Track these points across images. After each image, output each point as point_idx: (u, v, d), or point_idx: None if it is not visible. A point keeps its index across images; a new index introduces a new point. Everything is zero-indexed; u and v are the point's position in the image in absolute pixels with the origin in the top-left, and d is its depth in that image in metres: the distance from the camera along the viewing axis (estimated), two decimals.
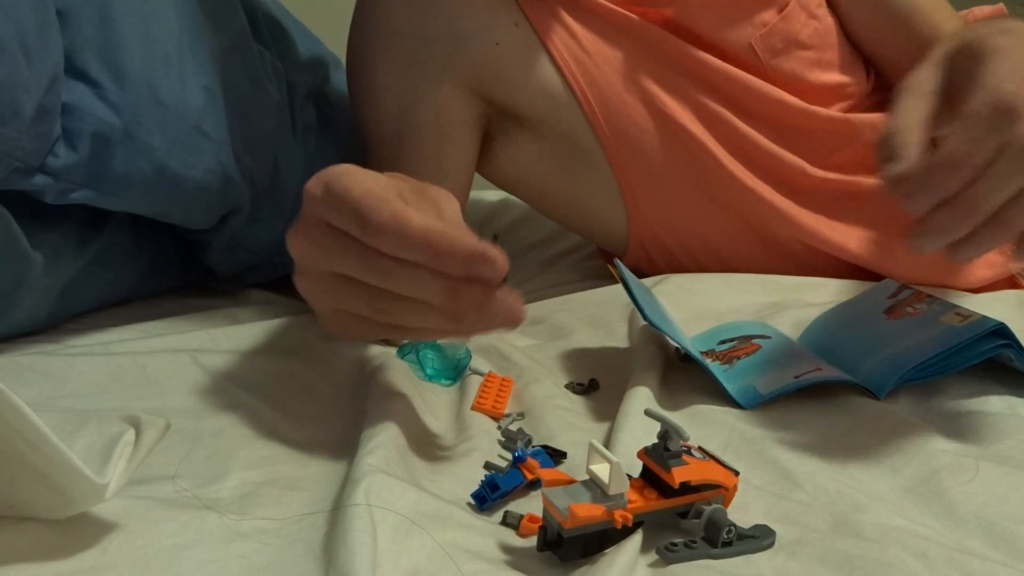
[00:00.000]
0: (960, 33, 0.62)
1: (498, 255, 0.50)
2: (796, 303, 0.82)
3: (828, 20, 0.90)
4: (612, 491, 0.45)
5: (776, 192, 0.88)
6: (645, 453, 0.49)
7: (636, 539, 0.46)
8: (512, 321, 0.52)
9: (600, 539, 0.46)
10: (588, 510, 0.44)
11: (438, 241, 0.49)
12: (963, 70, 0.58)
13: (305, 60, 0.98)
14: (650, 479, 0.48)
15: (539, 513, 0.50)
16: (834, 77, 0.90)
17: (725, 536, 0.46)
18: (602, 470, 0.45)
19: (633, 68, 0.85)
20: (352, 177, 0.52)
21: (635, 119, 0.86)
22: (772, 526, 0.49)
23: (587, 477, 0.47)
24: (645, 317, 0.66)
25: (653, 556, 0.47)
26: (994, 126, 0.53)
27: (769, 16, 0.86)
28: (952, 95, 0.58)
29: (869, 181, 0.89)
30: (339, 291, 0.53)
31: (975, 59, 0.57)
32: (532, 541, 0.48)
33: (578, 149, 0.88)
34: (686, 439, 0.48)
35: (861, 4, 0.91)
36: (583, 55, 0.85)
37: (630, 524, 0.45)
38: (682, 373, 0.68)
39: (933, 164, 0.53)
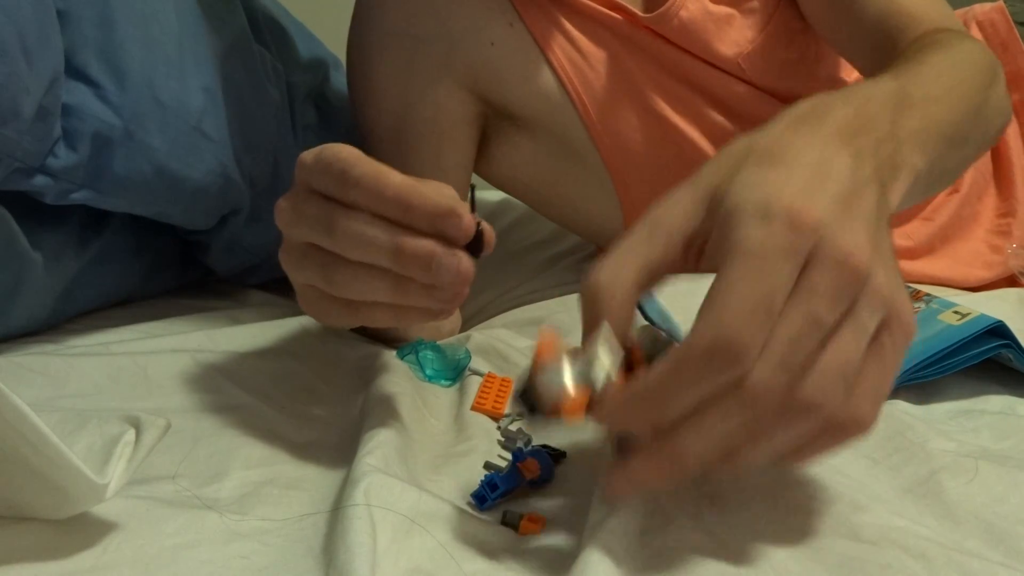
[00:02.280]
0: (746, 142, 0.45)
1: (466, 216, 0.48)
2: None
3: (813, 33, 0.90)
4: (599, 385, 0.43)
5: None
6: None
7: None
8: (457, 285, 0.49)
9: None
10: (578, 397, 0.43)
11: (410, 195, 0.49)
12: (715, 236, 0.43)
13: (305, 60, 0.98)
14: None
15: (539, 513, 0.50)
16: (823, 86, 0.90)
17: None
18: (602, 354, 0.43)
19: (627, 70, 0.85)
20: (347, 148, 0.52)
21: (629, 120, 0.86)
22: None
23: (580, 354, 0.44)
24: (646, 316, 0.66)
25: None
26: (709, 370, 0.40)
27: (752, 34, 0.86)
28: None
29: None
30: (302, 260, 0.53)
31: (721, 230, 0.42)
32: (532, 541, 0.48)
33: (573, 149, 0.88)
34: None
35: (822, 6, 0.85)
36: (577, 56, 0.85)
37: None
38: None
39: (636, 388, 0.42)
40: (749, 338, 0.39)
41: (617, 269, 0.45)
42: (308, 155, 0.53)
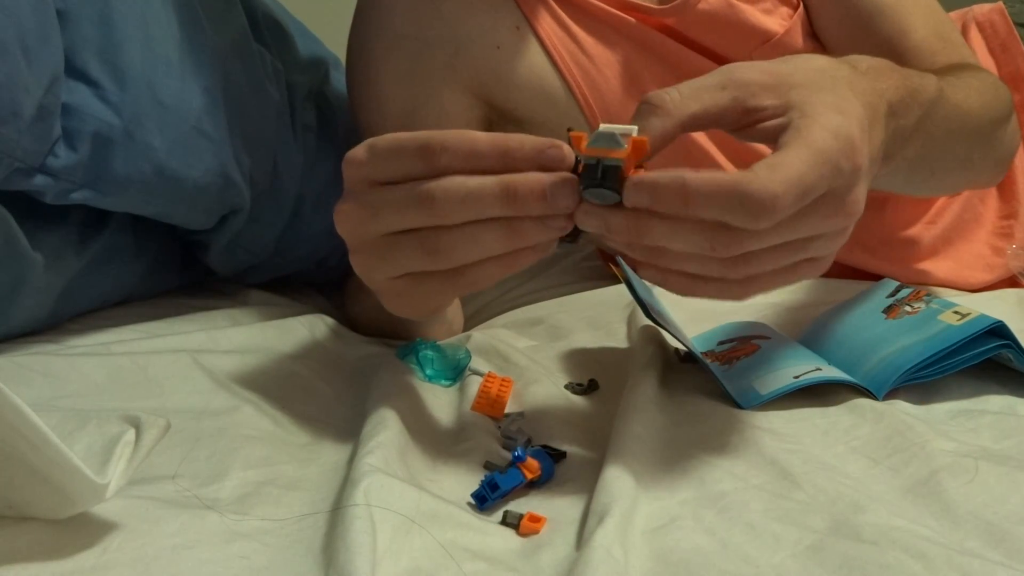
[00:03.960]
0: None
1: (564, 145, 0.50)
2: (796, 303, 0.82)
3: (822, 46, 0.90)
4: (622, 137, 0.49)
5: None
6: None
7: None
8: (572, 204, 0.49)
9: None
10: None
11: (505, 140, 0.50)
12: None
13: (305, 60, 0.98)
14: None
15: (539, 513, 0.50)
16: None
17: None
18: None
19: (634, 71, 0.85)
20: (399, 133, 0.53)
21: None
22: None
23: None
24: (647, 315, 0.67)
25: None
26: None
27: (770, 32, 0.86)
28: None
29: (870, 190, 0.89)
30: (392, 250, 0.53)
31: (798, 121, 0.52)
32: (532, 541, 0.48)
33: None
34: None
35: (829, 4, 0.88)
36: (584, 58, 0.85)
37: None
38: (682, 373, 0.68)
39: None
40: (782, 208, 0.47)
41: (683, 100, 0.52)
42: (357, 152, 0.53)
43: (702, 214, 0.47)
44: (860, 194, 0.52)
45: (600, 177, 0.48)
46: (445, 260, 0.52)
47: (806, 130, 0.50)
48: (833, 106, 0.52)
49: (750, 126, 0.53)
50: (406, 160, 0.51)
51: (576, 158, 0.50)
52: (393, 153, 0.52)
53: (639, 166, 0.50)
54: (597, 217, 0.49)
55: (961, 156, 0.74)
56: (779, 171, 0.48)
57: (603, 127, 0.49)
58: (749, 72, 0.54)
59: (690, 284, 0.51)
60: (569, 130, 0.52)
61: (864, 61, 0.59)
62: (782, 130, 0.51)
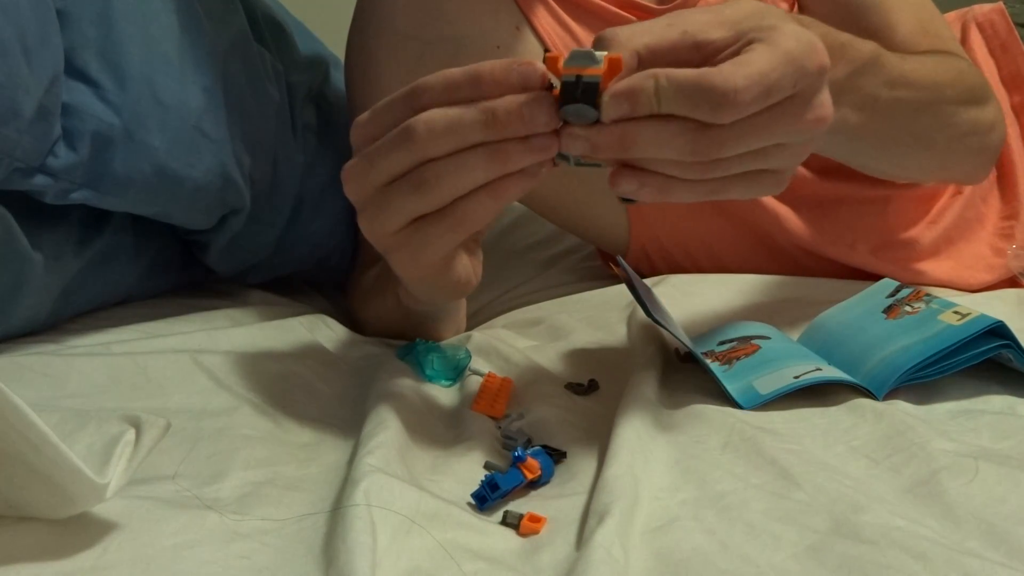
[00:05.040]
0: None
1: (534, 61, 0.52)
2: (796, 303, 0.82)
3: None
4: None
5: (777, 199, 0.88)
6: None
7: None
8: (552, 122, 0.51)
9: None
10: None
11: (477, 69, 0.52)
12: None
13: (305, 60, 0.98)
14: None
15: (539, 513, 0.50)
16: None
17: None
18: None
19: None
20: None
21: None
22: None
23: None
24: (648, 314, 0.67)
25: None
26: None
27: None
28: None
29: (871, 190, 0.89)
30: (387, 197, 0.55)
31: (758, 33, 0.54)
32: (532, 541, 0.48)
33: None
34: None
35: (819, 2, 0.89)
36: None
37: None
38: (682, 373, 0.68)
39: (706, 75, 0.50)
40: (744, 100, 0.49)
41: (633, 33, 0.53)
42: (362, 115, 0.56)
43: (673, 109, 0.50)
44: (827, 97, 0.54)
45: (580, 94, 0.50)
46: (435, 194, 0.53)
47: (768, 38, 0.52)
48: (785, 20, 0.55)
49: (704, 62, 0.54)
50: (396, 110, 0.54)
51: (550, 84, 0.52)
52: (386, 106, 0.55)
53: None
54: (581, 139, 0.51)
55: (917, 132, 0.75)
56: (743, 66, 0.50)
57: (573, 49, 0.51)
58: (693, 14, 0.56)
59: (665, 186, 0.53)
60: (546, 51, 0.53)
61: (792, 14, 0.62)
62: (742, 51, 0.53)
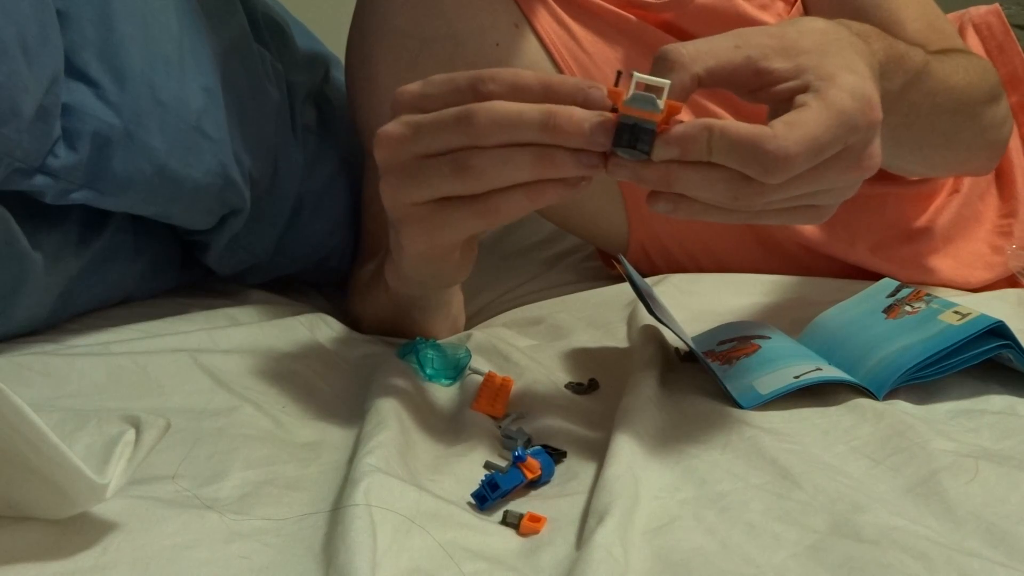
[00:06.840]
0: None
1: (604, 87, 0.53)
2: (796, 303, 0.82)
3: None
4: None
5: None
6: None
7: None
8: (607, 143, 0.52)
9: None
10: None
11: (549, 77, 0.53)
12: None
13: (305, 60, 0.98)
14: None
15: (539, 513, 0.50)
16: None
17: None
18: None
19: (633, 69, 0.85)
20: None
21: None
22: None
23: None
24: (650, 312, 0.67)
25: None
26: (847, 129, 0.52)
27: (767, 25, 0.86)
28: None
29: (870, 188, 0.89)
30: (423, 170, 0.55)
31: (816, 84, 0.54)
32: (532, 541, 0.48)
33: None
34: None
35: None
36: (583, 55, 0.85)
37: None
38: (682, 373, 0.68)
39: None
40: (794, 166, 0.50)
41: (698, 53, 0.54)
42: (412, 84, 0.57)
43: (723, 161, 0.51)
44: (877, 148, 0.54)
45: (635, 135, 0.51)
46: (474, 181, 0.54)
47: (824, 91, 0.52)
48: (845, 67, 0.54)
49: (761, 89, 0.55)
50: (455, 89, 0.54)
51: (613, 107, 0.53)
52: (446, 84, 0.55)
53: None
54: (628, 170, 0.53)
55: (948, 132, 0.76)
56: (796, 129, 0.50)
57: (637, 76, 0.52)
58: (759, 35, 0.56)
59: (702, 211, 0.54)
60: (618, 74, 0.54)
61: (854, 25, 0.61)
62: (797, 92, 0.53)
